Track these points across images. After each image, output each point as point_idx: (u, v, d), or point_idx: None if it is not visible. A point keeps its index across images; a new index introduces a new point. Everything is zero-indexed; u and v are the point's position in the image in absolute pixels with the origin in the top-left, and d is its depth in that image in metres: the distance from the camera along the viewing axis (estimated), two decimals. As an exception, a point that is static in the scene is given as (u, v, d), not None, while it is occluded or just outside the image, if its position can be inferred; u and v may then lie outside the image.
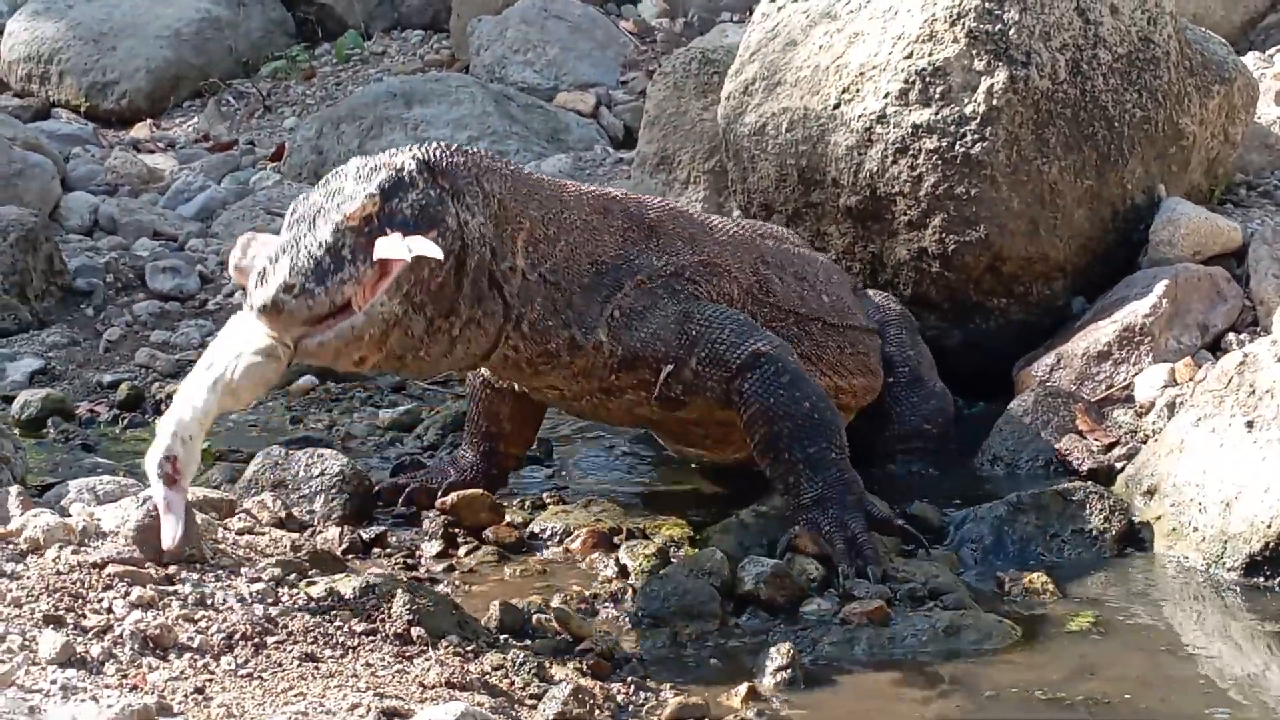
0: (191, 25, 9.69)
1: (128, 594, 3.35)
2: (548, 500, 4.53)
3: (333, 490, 4.39)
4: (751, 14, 9.00)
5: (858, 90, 5.19)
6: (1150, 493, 4.28)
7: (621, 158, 7.83)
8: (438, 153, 3.81)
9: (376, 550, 4.21)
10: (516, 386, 4.36)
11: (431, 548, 4.24)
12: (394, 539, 4.28)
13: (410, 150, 3.79)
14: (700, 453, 4.70)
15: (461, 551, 4.22)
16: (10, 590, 3.28)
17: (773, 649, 3.46)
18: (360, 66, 9.76)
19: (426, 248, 3.55)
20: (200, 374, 3.60)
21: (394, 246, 3.53)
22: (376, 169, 3.70)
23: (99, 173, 8.11)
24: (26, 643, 3.03)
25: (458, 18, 9.67)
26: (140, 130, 9.17)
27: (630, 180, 6.52)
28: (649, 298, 4.16)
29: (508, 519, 4.39)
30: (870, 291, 5.14)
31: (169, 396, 5.58)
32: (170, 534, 3.44)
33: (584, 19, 9.09)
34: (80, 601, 3.29)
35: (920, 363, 5.03)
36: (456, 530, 4.30)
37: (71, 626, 3.16)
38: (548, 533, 4.32)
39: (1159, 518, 4.20)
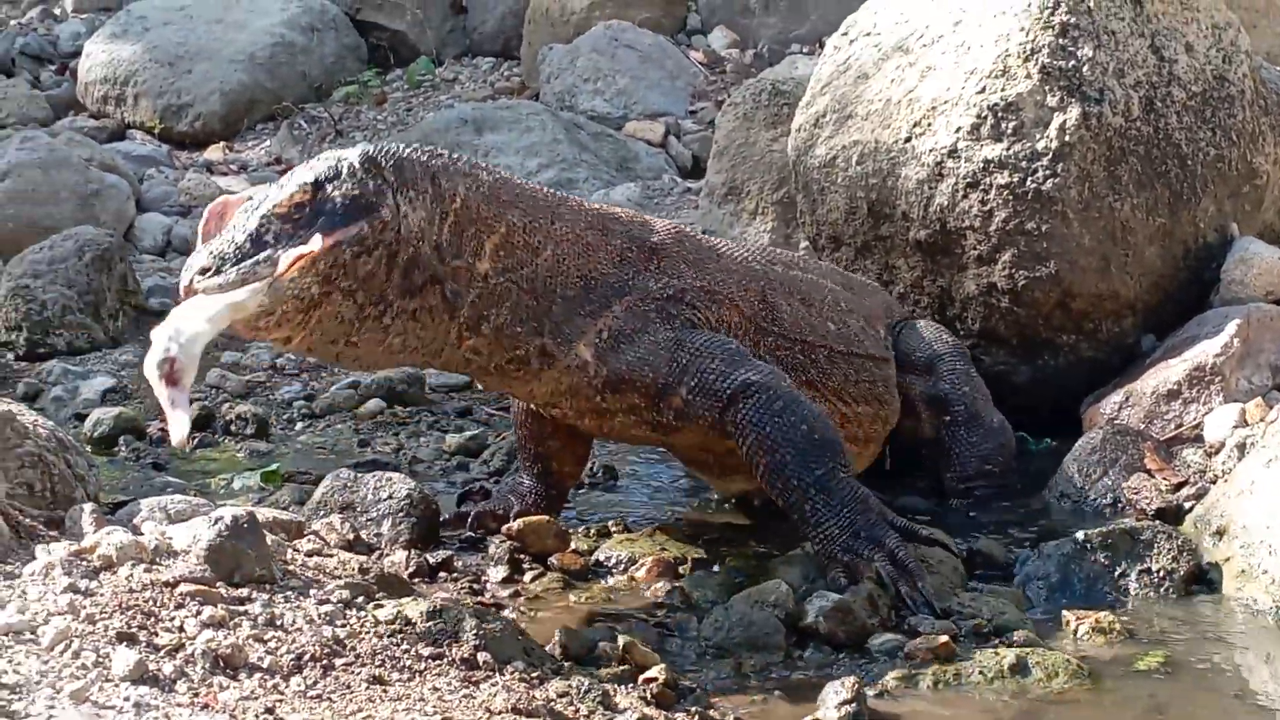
0: (266, 50, 9.80)
1: (199, 613, 3.38)
2: (613, 528, 4.54)
3: (400, 514, 4.41)
4: (821, 46, 9.05)
5: (929, 124, 5.19)
6: (1219, 534, 4.24)
7: (689, 187, 7.86)
8: (386, 148, 3.87)
9: (443, 574, 4.23)
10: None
11: (497, 573, 4.26)
12: (460, 563, 4.30)
13: (362, 146, 3.87)
14: (708, 480, 4.71)
15: (527, 578, 4.24)
16: (84, 607, 3.32)
17: (836, 682, 3.44)
18: (431, 92, 9.84)
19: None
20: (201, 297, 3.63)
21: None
22: (323, 160, 3.81)
23: (173, 194, 8.20)
24: (100, 659, 3.07)
25: (529, 45, 9.74)
26: (213, 153, 9.28)
27: (698, 210, 6.55)
28: (640, 320, 4.15)
29: (573, 546, 4.41)
30: (921, 324, 5.13)
31: (239, 417, 5.67)
32: (179, 431, 3.46)
33: (654, 49, 9.13)
34: (153, 619, 3.33)
35: (976, 398, 5.01)
36: (522, 556, 4.32)
37: (144, 644, 3.20)
38: (612, 560, 4.33)
39: (1228, 559, 4.16)
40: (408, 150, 3.91)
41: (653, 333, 4.15)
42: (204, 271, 3.62)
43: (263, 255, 3.63)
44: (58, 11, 11.65)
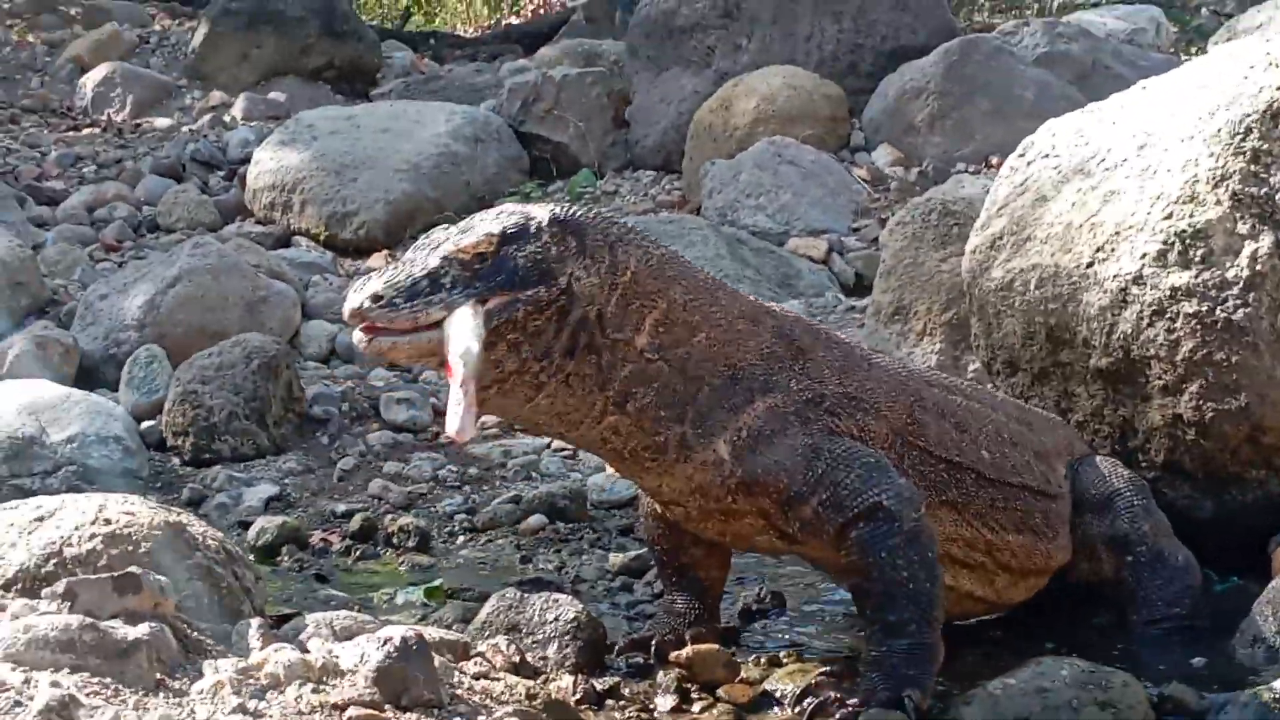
0: (430, 160, 9.90)
1: (369, 738, 3.31)
2: (784, 658, 4.42)
3: (567, 636, 4.33)
4: (988, 166, 8.98)
5: (1113, 250, 5.06)
6: None
7: (853, 305, 7.77)
8: (575, 212, 3.89)
9: (609, 701, 4.13)
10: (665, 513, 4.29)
11: (665, 702, 4.15)
12: (627, 690, 4.20)
13: (552, 207, 3.88)
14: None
15: (696, 708, 4.13)
16: (255, 728, 3.27)
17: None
18: (593, 205, 9.88)
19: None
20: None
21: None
22: (511, 214, 3.82)
23: (337, 301, 8.25)
24: (271, 785, 3.01)
25: (690, 160, 9.74)
26: (376, 260, 9.35)
27: (863, 329, 6.45)
28: (780, 422, 4.05)
29: (742, 675, 4.28)
30: (1099, 459, 4.96)
31: (401, 529, 5.64)
32: (467, 428, 3.60)
33: (817, 165, 9.08)
34: (322, 744, 3.27)
35: (1158, 537, 4.83)
36: (690, 685, 4.21)
37: (315, 769, 3.14)
38: (780, 693, 4.20)
39: None
40: (593, 217, 3.93)
41: (791, 437, 4.06)
42: (376, 299, 3.67)
43: (436, 298, 3.67)
44: (227, 119, 11.89)
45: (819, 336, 4.33)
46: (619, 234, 3.95)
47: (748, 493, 4.05)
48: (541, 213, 3.85)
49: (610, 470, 6.13)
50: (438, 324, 3.68)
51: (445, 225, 3.94)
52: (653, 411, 3.96)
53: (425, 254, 3.76)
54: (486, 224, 3.80)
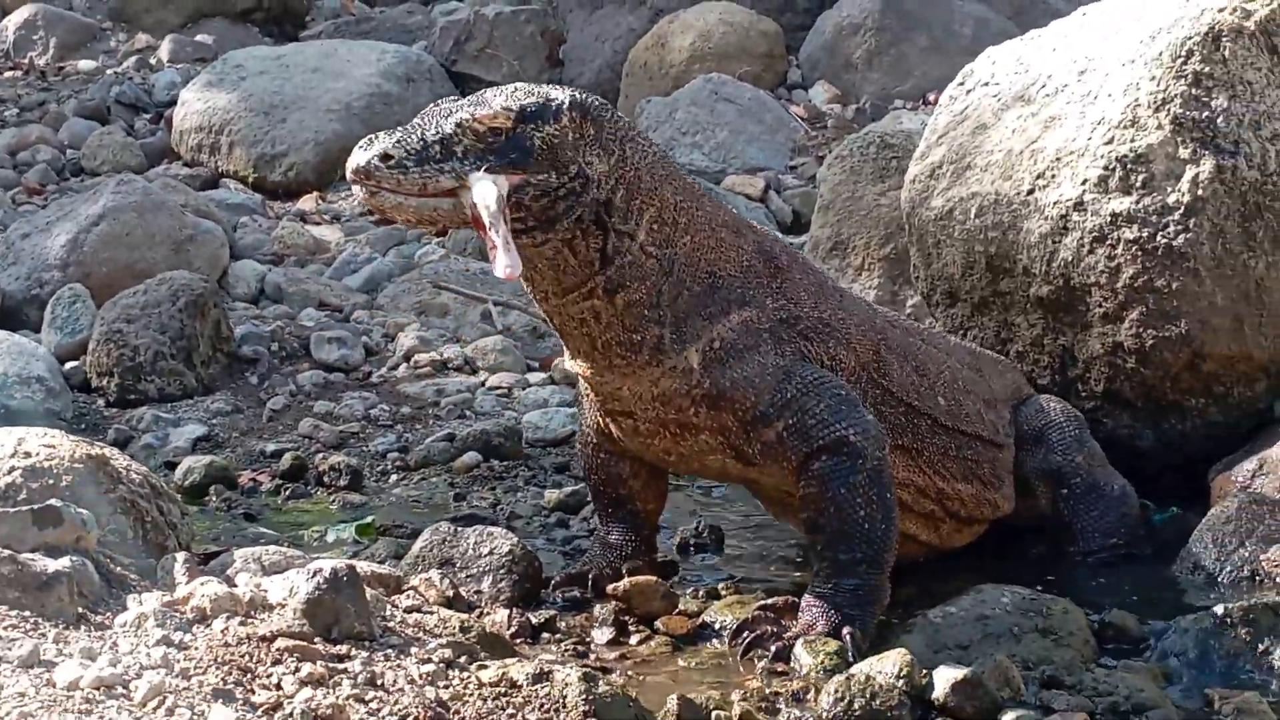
0: (361, 100, 9.72)
1: (297, 670, 3.23)
2: (723, 590, 4.35)
3: (502, 570, 4.25)
4: (925, 103, 8.91)
5: (1053, 176, 5.00)
6: (1370, 610, 4.00)
7: (790, 243, 7.69)
8: (594, 101, 3.85)
9: (545, 635, 4.07)
10: (610, 428, 4.21)
11: (603, 635, 4.09)
12: (563, 624, 4.13)
13: (570, 90, 3.84)
14: (790, 522, 4.52)
15: (634, 640, 4.07)
16: (178, 661, 3.17)
17: (968, 760, 3.25)
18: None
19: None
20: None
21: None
22: (530, 93, 3.77)
23: (266, 242, 8.12)
24: (195, 716, 2.93)
25: (626, 98, 9.63)
26: (306, 202, 9.19)
27: (803, 265, 6.36)
28: (754, 338, 4.00)
29: (680, 608, 4.22)
30: (1039, 397, 4.93)
31: (332, 468, 5.53)
32: (515, 266, 3.63)
33: (754, 103, 8.99)
34: (249, 676, 3.18)
35: (1092, 467, 4.80)
36: (628, 618, 4.15)
37: (241, 702, 3.05)
38: (719, 624, 4.14)
39: (1380, 637, 3.92)
40: (608, 109, 3.89)
41: (764, 354, 4.00)
42: (386, 159, 3.65)
43: (448, 166, 3.66)
44: (153, 62, 11.66)
45: (796, 258, 4.28)
46: (627, 129, 3.93)
47: (713, 405, 3.98)
48: (561, 95, 3.79)
49: (546, 406, 6.07)
50: (447, 192, 3.68)
51: (454, 96, 3.90)
52: (637, 309, 3.91)
53: (439, 119, 3.71)
54: (503, 99, 3.75)
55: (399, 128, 3.73)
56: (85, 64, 11.69)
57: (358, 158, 3.67)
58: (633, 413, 4.08)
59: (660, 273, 3.93)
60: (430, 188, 3.67)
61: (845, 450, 3.94)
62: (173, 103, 10.19)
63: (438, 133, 3.68)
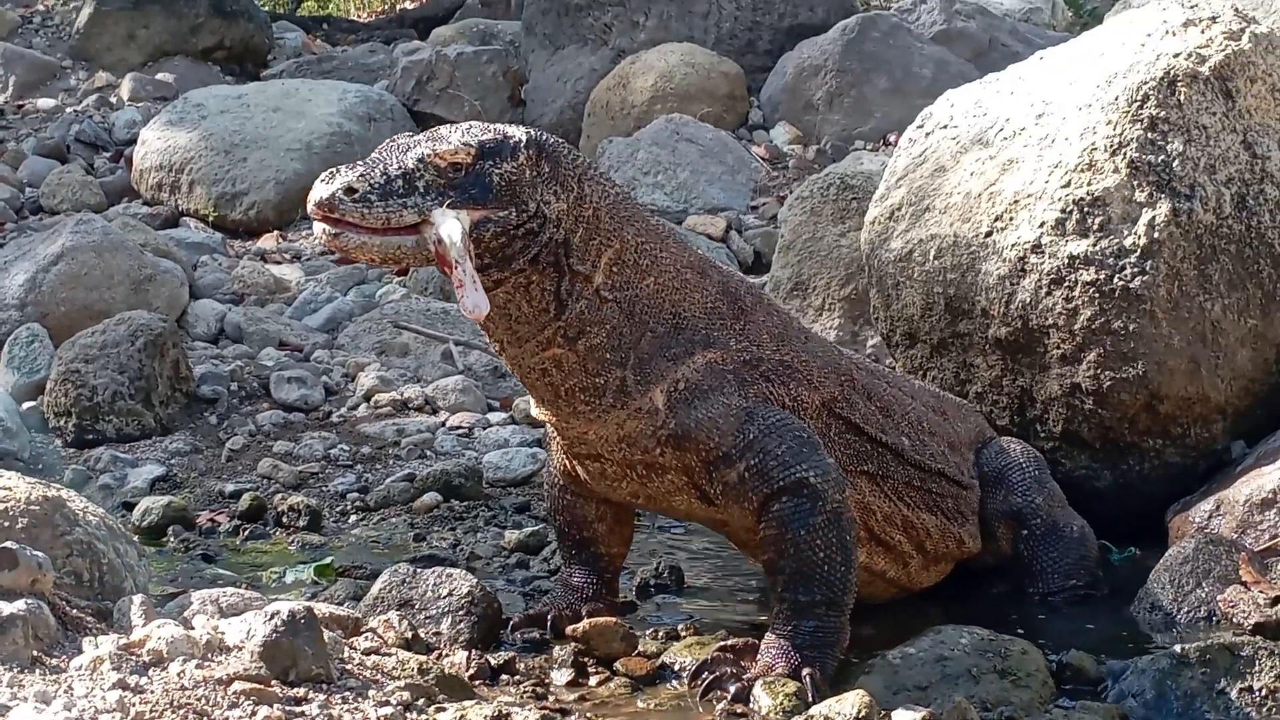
0: (323, 139, 9.73)
1: (254, 713, 3.21)
2: (682, 631, 4.34)
3: (460, 612, 4.23)
4: (885, 144, 8.96)
5: (1011, 218, 5.03)
6: (1325, 651, 4.02)
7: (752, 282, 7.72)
8: (550, 139, 3.85)
9: (505, 677, 4.04)
10: (577, 470, 4.21)
11: (562, 676, 4.07)
12: (522, 665, 4.11)
13: (525, 129, 3.83)
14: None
15: (593, 681, 4.05)
16: (134, 705, 3.15)
17: (928, 803, 3.25)
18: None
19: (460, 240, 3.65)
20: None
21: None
22: (486, 130, 3.76)
23: (226, 281, 8.10)
24: (150, 761, 2.90)
25: (588, 138, 9.66)
26: (267, 241, 9.18)
27: (763, 305, 6.38)
28: (717, 379, 4.01)
29: (640, 649, 4.21)
30: (1000, 440, 4.95)
31: (291, 508, 5.50)
32: (482, 301, 3.62)
33: (715, 143, 9.03)
34: (205, 719, 3.15)
35: (1052, 508, 4.83)
36: (587, 659, 4.13)
37: (197, 746, 3.02)
38: (679, 665, 4.13)
39: (1335, 678, 3.94)
40: (565, 146, 3.89)
41: (727, 395, 4.01)
42: (349, 192, 3.61)
43: (410, 201, 3.63)
44: (113, 100, 11.64)
45: (760, 299, 4.29)
46: (585, 167, 3.91)
47: (677, 446, 3.98)
48: (518, 133, 3.79)
49: (507, 446, 6.05)
50: (410, 229, 3.64)
51: (409, 132, 3.87)
52: (599, 353, 3.90)
53: (398, 154, 3.68)
54: (461, 134, 3.73)
55: (359, 162, 3.70)
56: (45, 102, 11.66)
57: (320, 191, 3.62)
58: (600, 455, 4.08)
59: (621, 315, 3.92)
60: (394, 222, 3.63)
61: (805, 492, 3.95)
62: (133, 141, 10.18)
63: (400, 167, 3.65)
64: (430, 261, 3.71)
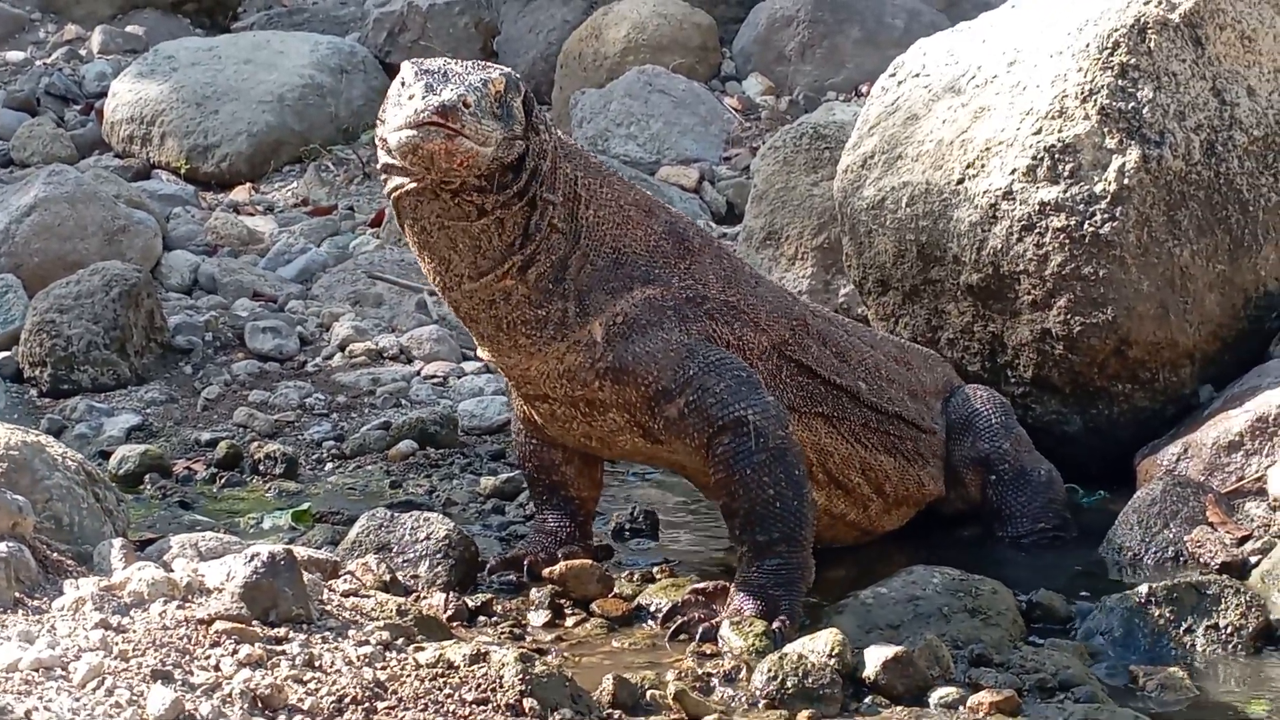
0: (295, 91, 9.69)
1: (235, 652, 3.25)
2: (657, 574, 4.40)
3: (438, 555, 4.28)
4: (858, 94, 8.97)
5: (983, 165, 5.07)
6: (1291, 589, 4.10)
7: (724, 233, 7.74)
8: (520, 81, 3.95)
9: (482, 618, 4.10)
10: (533, 415, 4.27)
11: (538, 618, 4.12)
12: (500, 607, 4.16)
13: (504, 69, 3.90)
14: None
15: (569, 622, 4.11)
16: (117, 643, 3.19)
17: (899, 736, 3.31)
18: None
19: None
20: None
21: None
22: (493, 69, 3.85)
23: (199, 233, 8.09)
24: (134, 697, 2.94)
25: (560, 90, 9.64)
26: (239, 193, 9.16)
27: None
28: (656, 314, 4.06)
29: (616, 590, 4.26)
30: (970, 387, 5.00)
31: (267, 456, 5.53)
32: None
33: (688, 94, 9.02)
34: (188, 658, 3.19)
35: (1019, 453, 4.88)
36: (564, 601, 4.18)
37: (180, 683, 3.06)
38: (654, 607, 4.18)
39: (1299, 615, 4.01)
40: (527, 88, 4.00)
41: (667, 331, 4.06)
42: (466, 105, 3.67)
43: (500, 124, 3.75)
44: (83, 52, 11.58)
45: (711, 243, 4.34)
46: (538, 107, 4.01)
47: (615, 380, 4.02)
48: (504, 73, 3.84)
49: (482, 395, 6.09)
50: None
51: (446, 59, 3.90)
52: (543, 283, 3.97)
53: (467, 78, 3.73)
54: (481, 70, 3.79)
55: (432, 75, 3.71)
56: (14, 55, 11.58)
57: (446, 96, 3.65)
58: (547, 395, 4.13)
59: (567, 245, 4.00)
60: (490, 139, 3.73)
61: (745, 430, 3.98)
62: (103, 94, 10.12)
63: (494, 90, 3.76)
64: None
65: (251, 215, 8.70)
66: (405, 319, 6.91)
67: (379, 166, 3.93)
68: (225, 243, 8.04)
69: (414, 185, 3.81)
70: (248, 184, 9.32)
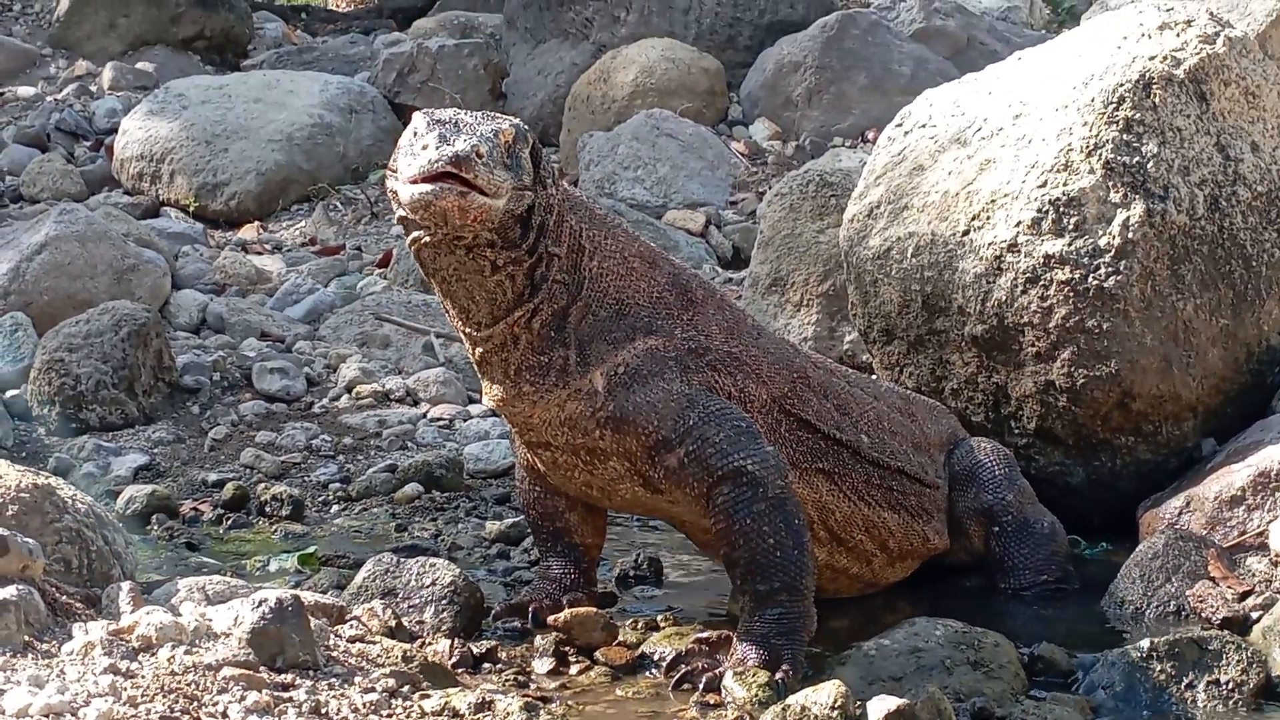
0: (304, 130, 9.77)
1: (243, 698, 3.27)
2: (662, 622, 4.41)
3: (443, 601, 4.30)
4: (864, 141, 9.03)
5: (988, 218, 5.11)
6: (1291, 645, 4.11)
7: (730, 278, 7.79)
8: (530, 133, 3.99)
9: (487, 665, 4.11)
10: (536, 463, 4.30)
11: (543, 665, 4.13)
12: (504, 654, 4.17)
13: (514, 120, 3.94)
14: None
15: (574, 670, 4.12)
16: (126, 689, 3.21)
17: (902, 790, 3.32)
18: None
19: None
20: None
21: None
22: (502, 119, 3.88)
23: (207, 272, 8.14)
24: (143, 745, 2.95)
25: (568, 132, 9.70)
26: (248, 232, 9.22)
27: (742, 300, 6.46)
28: (658, 365, 4.09)
29: (620, 639, 4.28)
30: (974, 439, 5.02)
31: (274, 498, 5.56)
32: None
33: (695, 138, 9.08)
34: (196, 704, 3.22)
35: (1022, 505, 4.89)
36: (568, 648, 4.20)
37: (188, 730, 3.08)
38: (658, 655, 4.20)
39: (1300, 672, 4.03)
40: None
41: (668, 381, 4.09)
42: (478, 155, 3.71)
43: (510, 174, 3.79)
44: (94, 88, 11.65)
45: (714, 294, 4.37)
46: (546, 158, 4.05)
47: (616, 429, 4.06)
48: (515, 124, 3.89)
49: (488, 438, 6.11)
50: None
51: (455, 109, 3.95)
52: (545, 331, 4.02)
53: (478, 129, 3.76)
54: (492, 120, 3.83)
55: (443, 126, 3.74)
56: (25, 90, 11.66)
57: (459, 147, 3.68)
58: (549, 443, 4.17)
59: (568, 295, 4.04)
60: (500, 190, 3.77)
61: (744, 480, 4.01)
62: (113, 130, 10.19)
63: (503, 140, 3.79)
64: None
65: (260, 254, 8.75)
66: (412, 361, 6.95)
67: (395, 219, 3.98)
68: (233, 281, 8.09)
69: (429, 239, 3.86)
70: (256, 222, 9.38)
